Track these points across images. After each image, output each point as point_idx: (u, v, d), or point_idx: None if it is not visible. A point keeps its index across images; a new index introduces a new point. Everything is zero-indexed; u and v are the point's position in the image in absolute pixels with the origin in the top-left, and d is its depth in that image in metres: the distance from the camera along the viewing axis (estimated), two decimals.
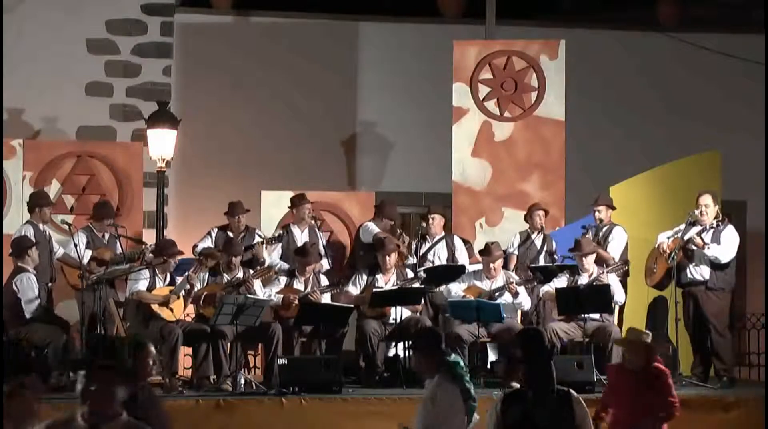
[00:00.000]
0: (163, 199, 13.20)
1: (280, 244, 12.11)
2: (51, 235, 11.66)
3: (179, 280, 11.09)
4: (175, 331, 10.67)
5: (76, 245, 11.29)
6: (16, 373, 4.10)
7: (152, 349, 4.90)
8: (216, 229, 12.20)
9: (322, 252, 12.13)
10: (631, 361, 8.37)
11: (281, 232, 12.23)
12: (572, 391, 6.41)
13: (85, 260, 11.43)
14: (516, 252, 12.32)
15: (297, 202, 12.33)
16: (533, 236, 12.34)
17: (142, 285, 10.99)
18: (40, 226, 11.52)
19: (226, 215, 12.16)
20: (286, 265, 11.93)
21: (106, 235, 11.81)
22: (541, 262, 12.18)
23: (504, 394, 6.29)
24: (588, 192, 12.79)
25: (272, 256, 12.09)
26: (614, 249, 11.98)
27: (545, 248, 12.28)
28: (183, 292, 10.98)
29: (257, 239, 12.05)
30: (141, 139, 13.53)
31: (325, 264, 12.09)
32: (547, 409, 6.11)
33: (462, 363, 7.18)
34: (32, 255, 10.89)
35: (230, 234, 12.04)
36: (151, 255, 11.41)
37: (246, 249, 11.81)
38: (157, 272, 11.07)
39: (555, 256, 12.19)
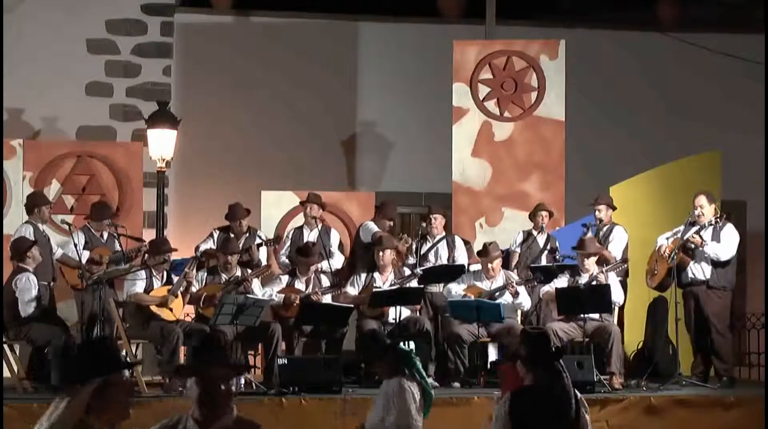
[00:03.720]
0: (163, 199, 13.20)
1: (288, 245, 12.14)
2: (50, 236, 11.63)
3: (176, 279, 11.09)
4: (175, 331, 10.66)
5: (75, 245, 11.28)
6: (103, 371, 4.07)
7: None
8: (217, 231, 12.19)
9: (335, 252, 12.16)
10: None
11: (292, 232, 12.27)
12: (577, 392, 6.29)
13: (83, 260, 11.42)
14: (518, 250, 12.32)
15: (304, 200, 12.38)
16: (535, 235, 12.34)
17: (139, 286, 10.97)
18: (40, 225, 11.49)
19: (226, 219, 12.15)
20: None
21: (105, 235, 11.80)
22: (543, 261, 12.18)
23: (511, 393, 6.17)
24: (588, 192, 12.77)
25: (281, 258, 12.14)
26: (615, 249, 11.98)
27: (548, 247, 12.27)
28: (181, 289, 10.98)
29: (258, 241, 12.05)
30: (141, 139, 13.52)
31: (337, 263, 12.12)
32: (556, 408, 5.95)
33: (413, 353, 7.16)
34: (33, 254, 10.82)
35: (232, 235, 12.03)
36: (147, 254, 11.41)
37: (245, 250, 11.81)
38: (154, 272, 11.07)
39: (557, 256, 12.18)
